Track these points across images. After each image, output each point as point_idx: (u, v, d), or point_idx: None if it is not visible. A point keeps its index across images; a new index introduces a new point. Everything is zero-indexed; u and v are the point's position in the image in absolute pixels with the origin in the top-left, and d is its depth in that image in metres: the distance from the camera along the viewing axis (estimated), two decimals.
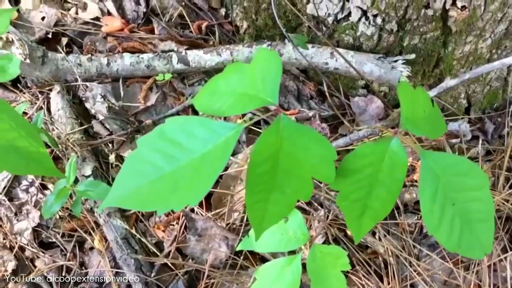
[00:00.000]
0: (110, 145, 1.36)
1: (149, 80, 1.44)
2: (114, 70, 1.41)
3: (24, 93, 1.42)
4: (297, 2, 1.29)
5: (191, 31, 1.51)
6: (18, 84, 1.43)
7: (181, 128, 0.62)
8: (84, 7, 1.53)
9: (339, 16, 1.27)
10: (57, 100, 1.35)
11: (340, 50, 1.28)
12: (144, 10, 1.50)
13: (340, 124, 1.41)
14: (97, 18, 1.51)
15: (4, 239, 1.31)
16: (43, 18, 1.49)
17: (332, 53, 1.29)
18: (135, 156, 0.62)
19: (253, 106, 0.63)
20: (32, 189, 1.35)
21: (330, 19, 1.28)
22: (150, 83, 1.43)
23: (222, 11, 1.52)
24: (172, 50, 1.42)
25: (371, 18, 1.24)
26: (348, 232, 1.31)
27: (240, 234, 1.24)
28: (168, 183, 0.60)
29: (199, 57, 1.39)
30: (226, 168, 1.30)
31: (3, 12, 0.93)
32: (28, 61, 1.32)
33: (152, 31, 1.51)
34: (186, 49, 1.43)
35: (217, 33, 1.50)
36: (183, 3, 1.52)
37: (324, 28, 1.32)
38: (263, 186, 0.64)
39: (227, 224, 1.26)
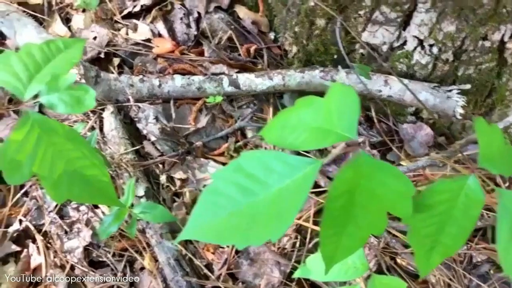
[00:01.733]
0: (161, 166, 1.38)
1: (199, 102, 1.45)
2: (165, 92, 1.43)
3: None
4: (352, 29, 1.30)
5: (239, 54, 1.53)
6: None
7: (258, 161, 0.63)
8: (135, 28, 1.55)
9: (395, 45, 1.28)
10: (110, 120, 1.37)
11: (394, 78, 1.29)
12: (195, 33, 1.52)
13: (388, 151, 1.41)
14: (148, 40, 1.53)
15: (54, 257, 1.32)
16: (95, 38, 1.51)
17: (386, 80, 1.30)
18: (211, 189, 0.62)
19: (331, 141, 0.64)
20: (83, 208, 1.36)
21: (384, 47, 1.30)
22: (200, 105, 1.45)
23: (271, 35, 1.54)
24: (223, 73, 1.44)
25: (427, 47, 1.25)
26: (399, 261, 1.30)
27: (292, 260, 1.24)
28: (245, 216, 0.61)
29: (250, 81, 1.41)
30: None
31: (76, 42, 0.93)
32: (83, 81, 1.34)
33: (201, 54, 1.53)
34: (236, 72, 1.45)
35: (265, 57, 1.52)
36: (232, 27, 1.54)
37: (377, 56, 1.33)
38: (338, 220, 0.64)
39: (277, 249, 1.27)
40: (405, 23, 1.24)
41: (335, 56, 1.38)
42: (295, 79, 1.37)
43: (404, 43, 1.27)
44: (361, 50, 1.34)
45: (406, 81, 1.29)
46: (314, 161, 0.60)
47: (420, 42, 1.25)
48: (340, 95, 0.66)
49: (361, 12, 1.25)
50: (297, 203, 0.59)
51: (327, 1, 1.27)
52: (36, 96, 0.80)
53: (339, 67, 1.34)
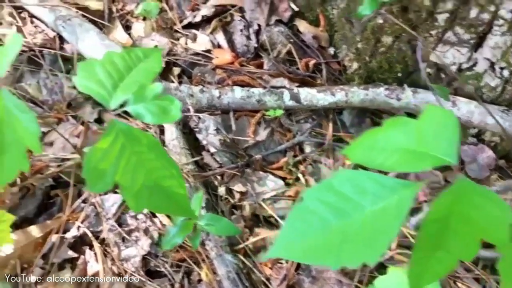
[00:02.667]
0: (219, 177, 1.37)
1: (258, 114, 1.45)
2: (224, 103, 1.43)
3: (135, 119, 1.45)
4: (422, 49, 1.29)
5: (298, 68, 1.53)
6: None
7: (350, 181, 0.62)
8: (194, 38, 1.55)
9: (464, 66, 1.27)
10: (172, 130, 1.37)
11: (462, 99, 1.28)
12: (255, 45, 1.52)
13: (449, 172, 1.40)
14: (207, 50, 1.53)
15: (111, 264, 1.32)
16: (155, 47, 1.52)
17: (454, 101, 1.29)
18: (302, 208, 0.61)
19: (427, 164, 0.62)
20: (141, 216, 1.35)
21: (453, 68, 1.28)
22: (259, 118, 1.45)
23: (330, 50, 1.54)
24: (283, 87, 1.44)
25: (498, 70, 1.23)
26: (459, 284, 1.28)
27: (355, 280, 1.23)
28: (337, 237, 0.60)
29: (311, 96, 1.40)
30: None
31: (153, 52, 0.93)
32: None
33: (260, 66, 1.53)
34: (297, 86, 1.44)
35: (324, 72, 1.51)
36: (292, 40, 1.54)
37: (443, 76, 1.32)
38: (430, 243, 0.63)
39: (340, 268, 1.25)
40: (477, 45, 1.23)
41: (399, 74, 1.37)
42: (359, 96, 1.36)
43: (474, 64, 1.26)
44: (428, 70, 1.32)
45: (474, 103, 1.28)
46: (412, 184, 0.59)
47: (492, 65, 1.23)
48: (437, 118, 0.64)
49: (433, 32, 1.24)
50: (393, 227, 0.58)
51: (397, 19, 1.26)
52: (122, 106, 0.80)
53: (405, 85, 1.33)
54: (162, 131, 1.40)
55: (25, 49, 1.57)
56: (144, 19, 1.57)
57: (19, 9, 1.63)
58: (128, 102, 0.87)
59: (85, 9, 1.56)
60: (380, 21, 1.30)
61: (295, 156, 1.41)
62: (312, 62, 1.52)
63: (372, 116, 1.45)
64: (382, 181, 0.61)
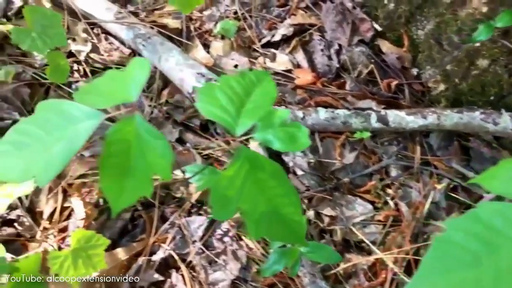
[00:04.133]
0: (306, 201, 1.35)
1: (342, 136, 1.42)
2: (308, 124, 1.40)
3: (216, 139, 1.43)
4: None
5: (379, 88, 1.50)
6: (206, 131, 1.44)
7: (498, 213, 0.59)
8: (274, 57, 1.54)
9: None
10: (259, 151, 1.35)
11: None
12: (337, 65, 1.50)
13: None
14: (287, 70, 1.51)
15: None
16: (236, 66, 1.50)
17: None
18: (445, 240, 0.58)
19: None
20: (227, 239, 1.33)
21: None
22: (343, 140, 1.42)
23: (413, 71, 1.51)
24: (369, 108, 1.41)
25: None
26: None
27: None
28: (489, 272, 0.57)
29: (400, 118, 1.37)
30: None
31: (265, 76, 0.91)
32: None
33: (341, 86, 1.51)
34: (383, 108, 1.42)
35: (406, 92, 1.49)
36: (373, 60, 1.52)
37: None
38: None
39: None
40: None
41: (491, 98, 1.34)
42: (452, 119, 1.33)
43: None
44: None
45: None
46: None
47: None
48: None
49: None
50: None
51: (496, 43, 1.24)
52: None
53: (503, 110, 1.30)
54: None
55: (100, 66, 1.56)
56: (223, 37, 1.55)
57: (92, 24, 1.62)
58: (255, 128, 0.85)
59: (163, 27, 1.55)
60: (477, 44, 1.27)
61: (381, 179, 1.38)
62: (394, 83, 1.49)
63: (459, 138, 1.42)
64: None
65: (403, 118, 1.37)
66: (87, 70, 1.54)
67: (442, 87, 1.44)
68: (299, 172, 1.35)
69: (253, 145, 1.34)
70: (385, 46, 1.51)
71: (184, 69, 1.39)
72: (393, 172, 1.39)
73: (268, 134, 0.89)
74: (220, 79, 0.88)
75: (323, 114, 1.40)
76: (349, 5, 1.53)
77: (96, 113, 0.70)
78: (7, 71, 1.43)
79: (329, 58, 1.51)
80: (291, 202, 0.79)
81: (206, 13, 1.58)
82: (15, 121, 1.34)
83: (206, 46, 1.56)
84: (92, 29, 1.63)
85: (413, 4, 1.43)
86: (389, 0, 1.50)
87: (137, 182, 0.82)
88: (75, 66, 1.55)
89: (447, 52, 1.37)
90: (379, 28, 1.52)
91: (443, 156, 1.41)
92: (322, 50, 1.52)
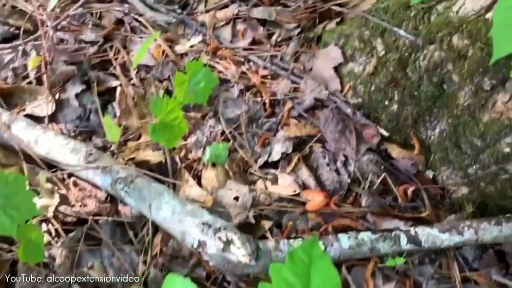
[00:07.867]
0: None
1: (370, 263, 1.26)
2: (331, 255, 1.23)
3: None
4: None
5: (395, 197, 1.36)
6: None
7: None
8: (275, 179, 1.36)
9: None
10: None
11: None
12: (348, 180, 1.35)
13: None
14: (295, 194, 1.34)
15: None
16: (236, 198, 1.30)
17: None
18: None
19: None
20: None
21: None
22: (372, 268, 1.26)
23: (428, 173, 1.38)
24: (397, 229, 1.26)
25: None
26: None
27: None
28: None
29: (433, 237, 1.23)
30: None
31: (313, 243, 0.77)
32: (251, 261, 1.13)
33: (354, 202, 1.35)
34: (411, 225, 1.27)
35: (426, 199, 1.35)
36: (382, 167, 1.38)
37: None
38: None
39: None
40: None
41: None
42: (491, 233, 1.21)
43: None
44: None
45: None
46: None
47: None
48: None
49: None
50: None
51: None
52: None
53: None
54: None
55: (73, 220, 1.31)
56: (213, 164, 1.36)
57: (54, 169, 1.37)
58: None
59: (144, 162, 1.34)
60: (507, 149, 1.17)
61: None
62: (410, 189, 1.36)
63: (493, 245, 1.31)
64: None
65: (436, 237, 1.23)
66: (59, 228, 1.28)
67: (464, 190, 1.32)
68: None
69: None
70: (395, 151, 1.38)
71: (183, 219, 1.18)
72: None
73: None
74: (270, 271, 0.71)
75: (346, 241, 1.24)
76: (348, 110, 1.40)
77: None
78: None
79: (337, 172, 1.35)
80: None
81: (190, 139, 1.38)
82: None
83: (197, 177, 1.36)
84: (55, 175, 1.37)
85: (422, 106, 1.32)
86: (391, 102, 1.38)
87: None
88: (44, 226, 1.29)
89: (468, 155, 1.26)
90: (385, 133, 1.39)
91: (481, 268, 1.28)
92: (328, 164, 1.36)
